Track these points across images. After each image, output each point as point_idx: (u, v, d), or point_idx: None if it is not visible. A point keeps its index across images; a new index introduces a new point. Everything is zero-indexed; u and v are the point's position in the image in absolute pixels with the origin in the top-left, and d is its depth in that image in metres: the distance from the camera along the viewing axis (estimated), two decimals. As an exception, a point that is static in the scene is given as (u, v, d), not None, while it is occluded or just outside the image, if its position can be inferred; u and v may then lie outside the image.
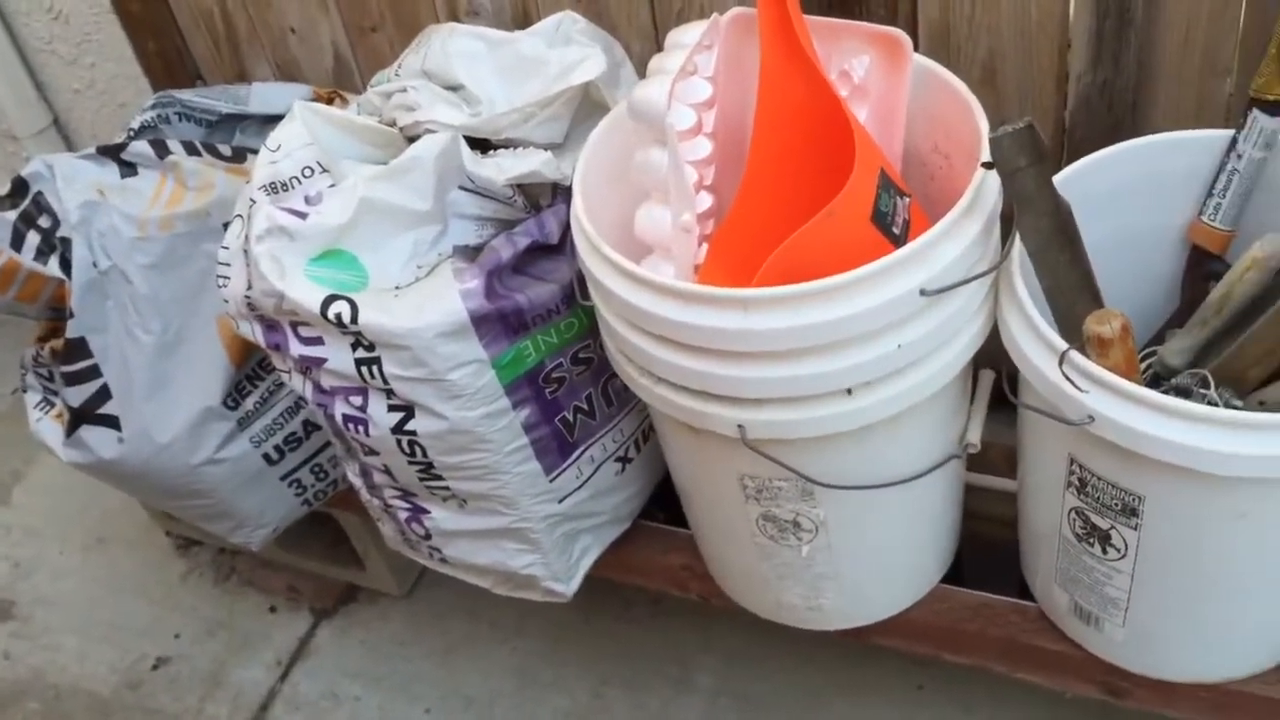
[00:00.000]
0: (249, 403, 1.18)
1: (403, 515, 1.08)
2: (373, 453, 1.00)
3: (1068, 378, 0.77)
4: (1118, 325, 0.76)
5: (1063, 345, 0.78)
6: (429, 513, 1.05)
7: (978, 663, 1.07)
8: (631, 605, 1.46)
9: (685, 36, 0.91)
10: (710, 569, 1.13)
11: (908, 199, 0.87)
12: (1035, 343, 0.81)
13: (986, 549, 1.14)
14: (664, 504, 1.18)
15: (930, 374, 0.84)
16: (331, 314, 0.89)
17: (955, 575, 1.10)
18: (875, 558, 1.00)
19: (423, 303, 0.90)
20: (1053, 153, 1.11)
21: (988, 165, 0.78)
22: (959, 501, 1.06)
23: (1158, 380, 0.94)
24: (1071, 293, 0.82)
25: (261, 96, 1.31)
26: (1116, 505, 0.83)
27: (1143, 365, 0.96)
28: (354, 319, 0.89)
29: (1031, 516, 0.98)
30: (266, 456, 1.20)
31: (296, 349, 0.94)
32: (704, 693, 1.36)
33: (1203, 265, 0.96)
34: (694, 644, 1.40)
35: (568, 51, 0.97)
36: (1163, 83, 1.04)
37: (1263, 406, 0.86)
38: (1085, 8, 1.02)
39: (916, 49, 1.02)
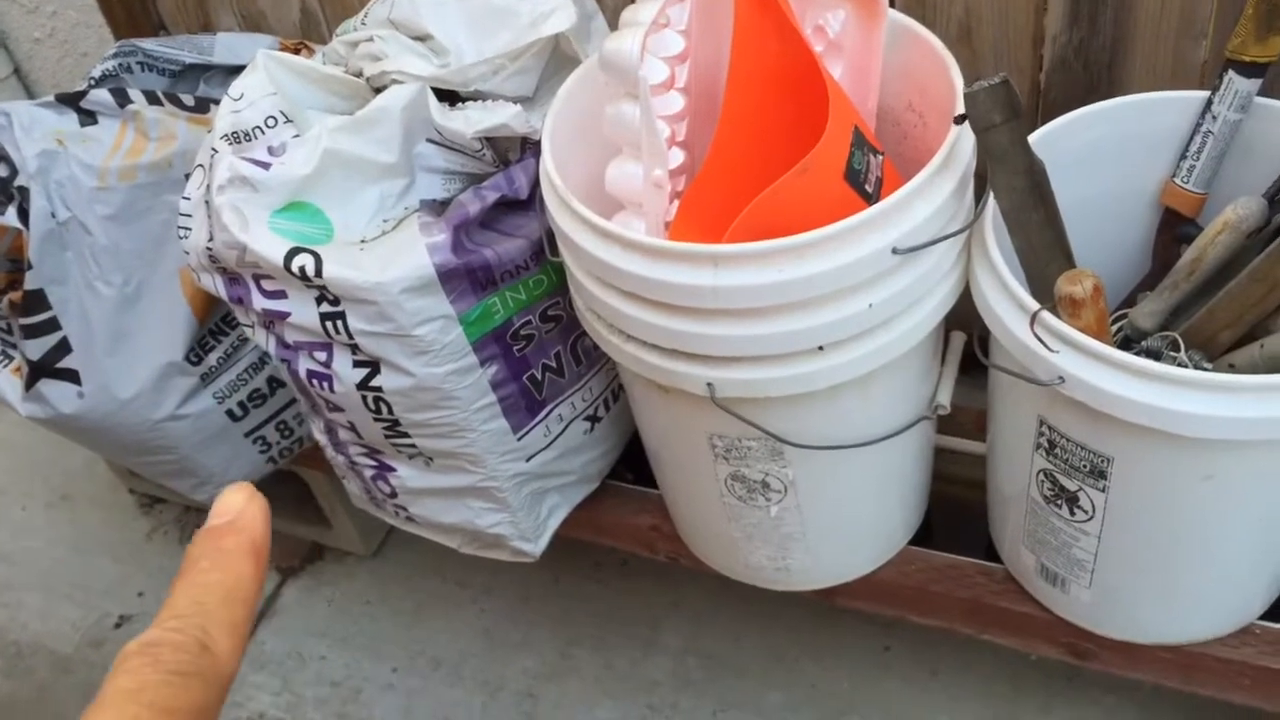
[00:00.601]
0: (212, 358, 1.16)
1: (368, 473, 1.07)
2: (338, 409, 0.99)
3: (1039, 338, 0.76)
4: (1089, 286, 0.75)
5: (1034, 305, 0.77)
6: (395, 470, 1.04)
7: (944, 624, 1.08)
8: (601, 566, 1.45)
9: (658, -12, 0.89)
10: (679, 529, 1.13)
11: (881, 157, 0.86)
12: (1007, 303, 0.80)
13: (955, 512, 1.14)
14: (632, 464, 1.17)
15: (901, 333, 0.83)
16: (295, 267, 0.87)
17: (924, 538, 1.10)
18: (843, 519, 0.99)
19: (389, 257, 0.88)
20: (1028, 114, 1.10)
21: (959, 120, 0.77)
22: (928, 464, 1.06)
23: (1129, 343, 0.94)
24: (1044, 253, 0.81)
25: (227, 46, 1.28)
26: (1085, 467, 0.83)
27: (1114, 328, 0.96)
28: (318, 272, 0.87)
29: (1000, 479, 0.98)
30: (230, 413, 1.19)
31: (259, 303, 0.92)
32: (672, 652, 1.36)
33: (1175, 228, 0.96)
34: (663, 604, 1.40)
35: (538, 2, 0.95)
36: (1139, 44, 1.03)
37: (1233, 369, 0.86)
38: (1063, -36, 1.01)
39: (893, 6, 1.01)
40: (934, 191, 0.79)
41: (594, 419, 1.08)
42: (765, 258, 0.76)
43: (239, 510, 0.38)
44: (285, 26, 1.44)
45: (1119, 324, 0.95)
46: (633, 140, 0.86)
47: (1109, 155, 0.95)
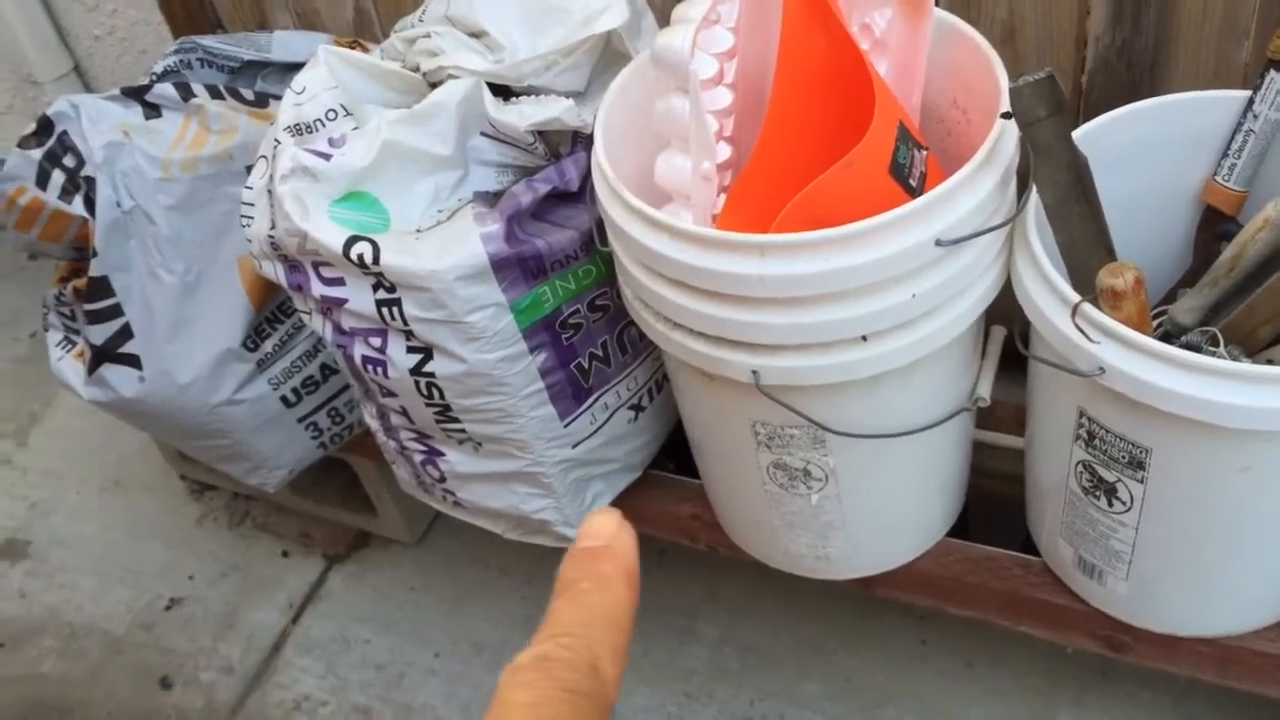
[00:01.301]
0: (268, 345, 1.19)
1: (418, 458, 1.10)
2: (391, 394, 1.02)
3: (1080, 329, 0.78)
4: (1131, 278, 0.77)
5: (1075, 297, 0.79)
6: (444, 455, 1.07)
7: (981, 615, 1.09)
8: (641, 556, 1.47)
9: (708, -14, 0.92)
10: (719, 518, 1.15)
11: (925, 152, 0.88)
12: (1048, 295, 0.82)
13: (993, 506, 1.16)
14: (674, 454, 1.20)
15: (943, 324, 0.85)
16: (354, 254, 0.90)
17: (961, 531, 1.12)
18: (883, 508, 1.01)
19: (444, 245, 0.91)
20: (1069, 115, 1.12)
21: (1006, 116, 0.78)
22: (967, 456, 1.08)
23: (1168, 338, 0.95)
24: (1086, 247, 0.83)
25: (284, 44, 1.32)
26: (1124, 458, 0.84)
27: (1154, 324, 0.97)
28: (376, 260, 0.90)
29: (1039, 470, 0.99)
30: (284, 399, 1.22)
31: (318, 289, 0.95)
32: (709, 642, 1.38)
33: (1215, 225, 0.97)
34: (700, 595, 1.43)
35: (591, 0, 0.98)
36: (1181, 45, 1.04)
37: (1271, 364, 0.87)
38: (1103, -36, 1.02)
39: (938, 5, 1.03)
40: (977, 185, 0.81)
41: (638, 408, 1.10)
42: (811, 248, 0.78)
43: (612, 535, 0.37)
44: (339, 25, 1.47)
45: (1159, 320, 0.96)
46: (682, 134, 0.88)
47: (1151, 153, 0.96)
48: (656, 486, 1.20)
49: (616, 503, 1.15)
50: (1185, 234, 1.01)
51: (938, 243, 0.79)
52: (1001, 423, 1.13)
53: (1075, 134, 0.92)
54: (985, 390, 0.97)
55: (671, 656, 1.38)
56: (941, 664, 1.31)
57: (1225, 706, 1.19)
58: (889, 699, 1.29)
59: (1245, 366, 0.73)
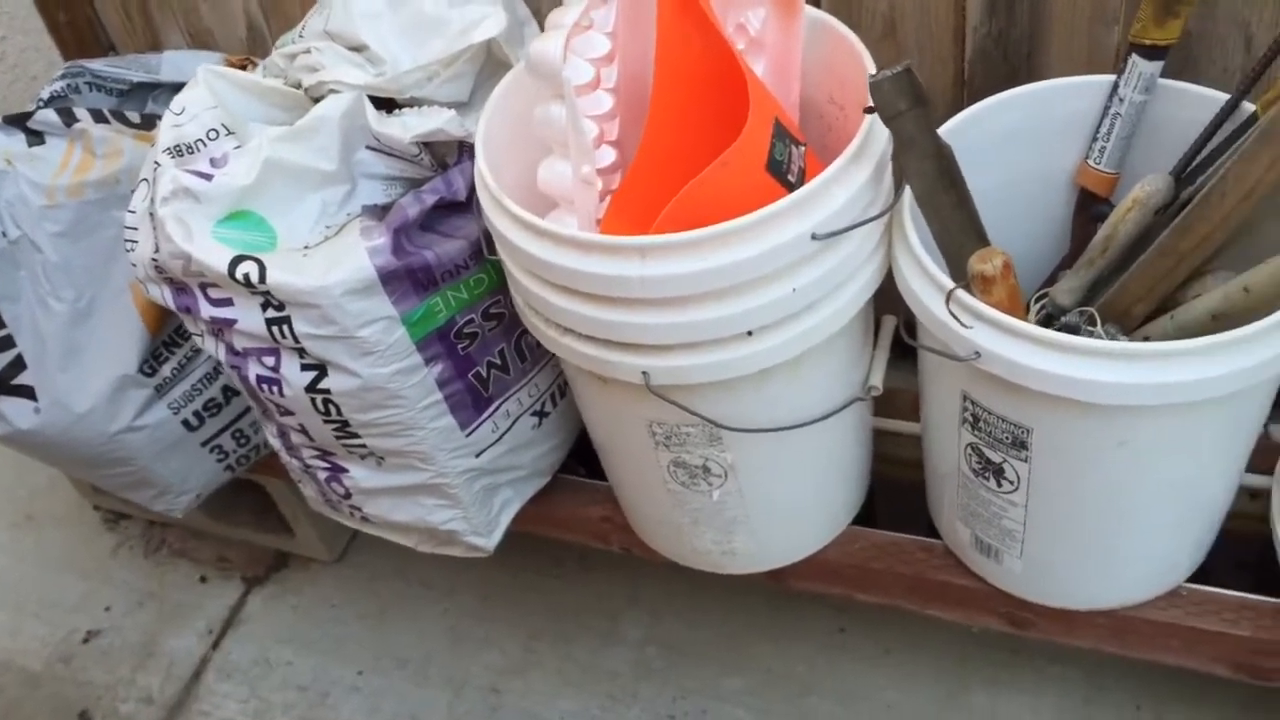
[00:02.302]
0: (166, 369, 1.18)
1: (322, 475, 1.09)
2: (288, 413, 1.01)
3: (954, 315, 0.80)
4: (999, 263, 0.79)
5: (949, 284, 0.81)
6: (347, 471, 1.07)
7: (889, 601, 1.11)
8: (560, 562, 1.48)
9: (583, -8, 0.92)
10: (629, 519, 1.16)
11: (803, 147, 0.89)
12: (924, 283, 0.83)
13: (898, 492, 1.17)
14: (584, 458, 1.20)
15: (827, 317, 0.86)
16: (240, 274, 0.90)
17: (869, 518, 1.13)
18: (785, 501, 1.02)
19: (331, 261, 0.91)
20: (954, 104, 1.14)
21: (869, 110, 0.80)
22: (867, 444, 1.09)
23: (1050, 320, 0.98)
24: (959, 234, 0.85)
25: (173, 64, 1.30)
26: (1007, 439, 0.86)
27: (1036, 306, 0.99)
28: (262, 278, 0.90)
29: (933, 455, 1.01)
30: (186, 423, 1.21)
31: (207, 310, 0.95)
32: (632, 643, 1.39)
33: (1090, 207, 1.00)
34: (622, 597, 1.43)
35: (469, 10, 0.98)
36: (1055, 32, 1.06)
37: (1147, 341, 0.90)
38: (979, -40, 1.04)
39: (820, 5, 1.05)
40: (850, 179, 0.82)
41: (541, 414, 1.11)
42: (690, 247, 0.79)
43: None
44: (232, 43, 1.46)
45: (1041, 302, 0.99)
46: (562, 140, 0.89)
47: (1025, 139, 0.99)
48: (566, 491, 1.20)
49: (526, 509, 1.16)
50: (1063, 217, 1.03)
51: (814, 236, 0.80)
52: (901, 410, 1.15)
53: (949, 123, 0.94)
54: (878, 379, 0.99)
55: (594, 658, 1.38)
56: (859, 651, 1.33)
57: (1130, 676, 1.22)
58: (809, 689, 1.31)
59: (1111, 344, 0.75)
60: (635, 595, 1.43)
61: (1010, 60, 1.10)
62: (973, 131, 0.95)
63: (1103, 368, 0.75)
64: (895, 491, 1.17)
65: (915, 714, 1.26)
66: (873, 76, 0.75)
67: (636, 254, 0.80)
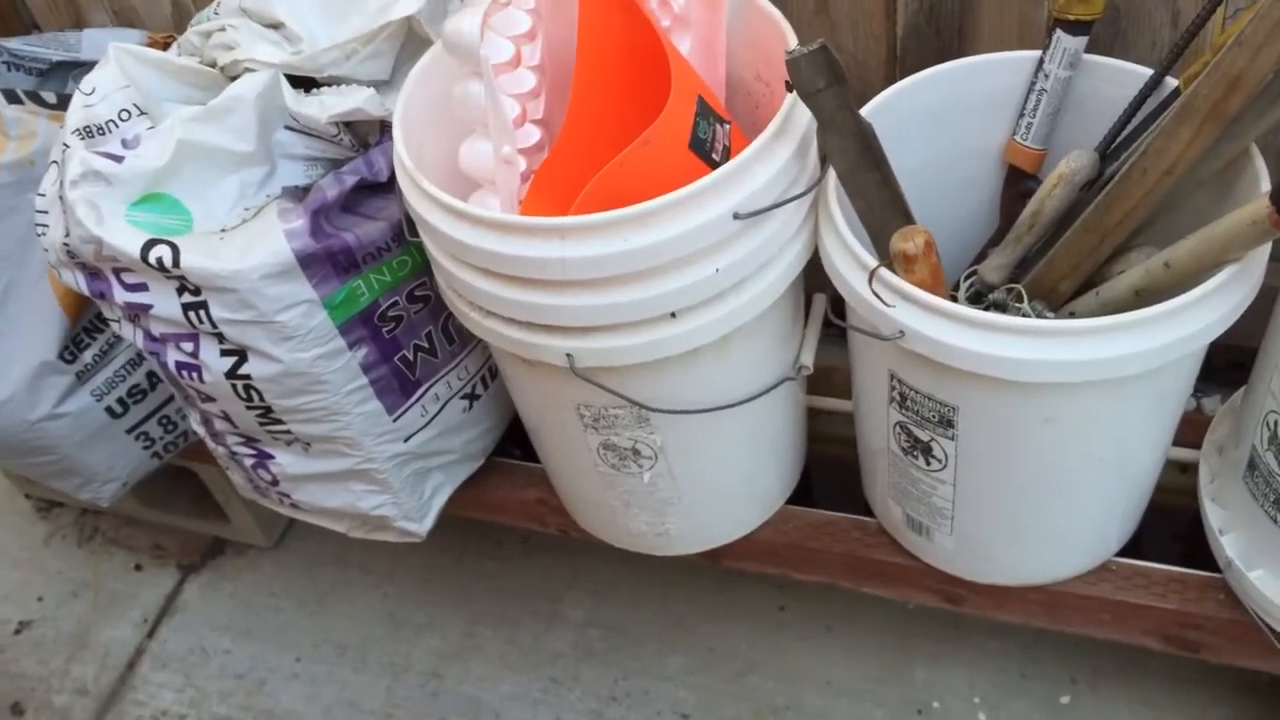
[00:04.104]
0: (88, 356, 1.15)
1: (249, 462, 1.07)
2: (210, 399, 0.99)
3: (876, 294, 0.79)
4: (921, 241, 0.78)
5: (873, 263, 0.80)
6: (274, 458, 1.05)
7: (825, 579, 1.11)
8: (502, 544, 1.47)
9: (504, -32, 0.90)
10: (564, 502, 1.15)
11: (728, 125, 0.88)
12: (849, 262, 0.83)
13: (835, 470, 1.17)
14: (519, 440, 1.19)
15: (753, 297, 0.85)
16: (153, 258, 0.87)
17: (806, 498, 1.13)
18: (717, 481, 1.02)
19: (248, 244, 0.89)
20: (886, 79, 1.13)
21: (789, 87, 0.79)
22: (800, 423, 1.09)
23: (979, 297, 0.97)
24: (883, 213, 0.84)
25: (94, 43, 1.27)
26: (934, 417, 0.86)
27: (966, 283, 0.99)
28: (176, 263, 0.87)
29: (865, 434, 1.01)
30: (110, 410, 1.18)
31: (121, 296, 0.92)
32: (573, 625, 1.38)
33: (1019, 184, 0.99)
34: (563, 579, 1.42)
35: (389, -14, 0.96)
36: (985, 7, 1.06)
37: (1073, 317, 0.89)
38: (907, -69, 1.03)
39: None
40: (771, 157, 0.81)
41: (472, 396, 1.09)
42: (610, 228, 0.78)
43: None
44: (157, 20, 1.42)
45: (971, 279, 0.98)
46: (482, 119, 0.87)
47: (953, 116, 0.98)
48: (501, 474, 1.19)
49: (459, 493, 1.14)
50: (994, 194, 1.03)
51: (736, 216, 0.79)
52: (837, 387, 1.15)
53: (875, 101, 0.94)
54: (809, 358, 0.98)
55: (537, 641, 1.38)
56: (801, 629, 1.33)
57: (1065, 650, 1.23)
58: (751, 667, 1.31)
59: (1031, 322, 0.75)
60: (576, 577, 1.42)
61: (942, 36, 1.09)
62: (900, 108, 0.94)
63: (1023, 345, 0.75)
64: (832, 469, 1.17)
65: (855, 690, 1.26)
66: (789, 53, 0.74)
67: (556, 235, 0.78)
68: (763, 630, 1.34)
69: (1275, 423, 0.84)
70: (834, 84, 0.75)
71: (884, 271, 0.79)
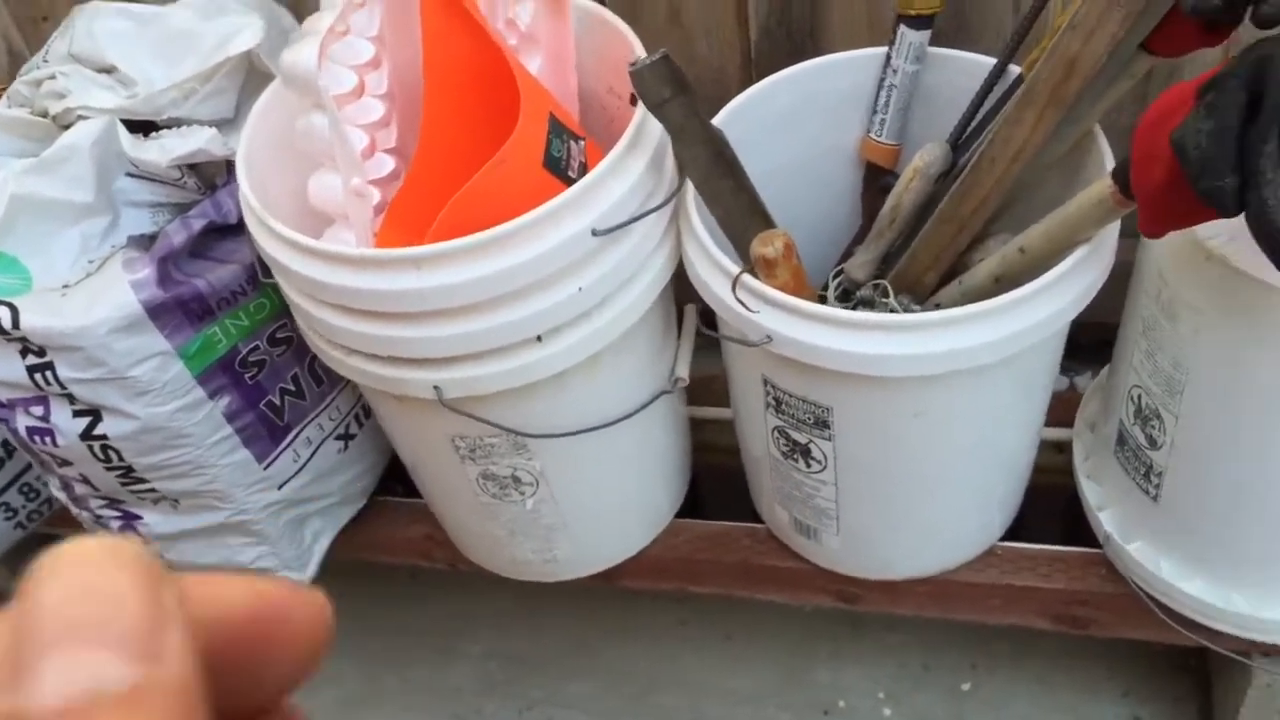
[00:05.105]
0: (-65, 427, 1.10)
1: (115, 525, 1.03)
2: (66, 463, 0.95)
3: (740, 300, 0.79)
4: (780, 245, 0.78)
5: (735, 269, 0.80)
6: (141, 518, 1.01)
7: (721, 590, 1.10)
8: (393, 584, 1.43)
9: (341, -4, 0.88)
10: (450, 536, 1.12)
11: (582, 141, 0.87)
12: (712, 271, 0.82)
13: (724, 479, 1.17)
14: (401, 476, 1.16)
15: (619, 313, 0.84)
16: (-10, 321, 0.83)
17: (697, 510, 1.12)
18: (601, 502, 1.00)
19: (92, 298, 0.85)
20: (743, 84, 1.14)
21: (633, 100, 0.78)
22: (683, 435, 1.08)
23: (849, 295, 0.98)
24: (742, 219, 0.84)
25: (-79, 98, 1.21)
26: (809, 419, 0.86)
27: (834, 282, 0.99)
28: (15, 324, 0.83)
29: (746, 441, 1.00)
30: (-36, 482, 1.13)
31: (-40, 363, 0.88)
32: (473, 659, 1.35)
33: (877, 180, 1.00)
34: (459, 613, 1.39)
35: (224, 22, 0.93)
36: (835, 6, 1.07)
37: (940, 309, 0.90)
38: (749, -63, 1.04)
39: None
40: (626, 171, 0.80)
41: (347, 437, 1.06)
42: (466, 254, 0.76)
43: None
44: (-9, 71, 1.37)
45: (840, 277, 0.99)
46: (328, 152, 0.85)
47: (808, 117, 0.98)
48: (385, 513, 1.16)
49: (344, 536, 1.11)
50: (856, 192, 1.04)
51: (594, 232, 0.78)
52: (718, 396, 1.14)
53: (727, 108, 0.93)
54: (684, 370, 0.97)
55: (436, 678, 1.35)
56: (701, 641, 1.32)
57: (963, 638, 1.24)
58: (655, 685, 1.29)
59: (889, 317, 0.75)
60: (472, 610, 1.39)
61: (794, 38, 1.10)
62: (754, 113, 0.94)
63: (881, 341, 0.75)
64: (720, 479, 1.17)
65: (759, 696, 1.26)
66: (633, 65, 0.74)
67: (411, 266, 0.76)
68: (664, 646, 1.32)
69: (1139, 396, 0.86)
70: (679, 94, 0.74)
71: (746, 277, 0.79)
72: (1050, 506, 1.09)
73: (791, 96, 0.96)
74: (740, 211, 0.83)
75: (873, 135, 0.98)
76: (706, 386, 1.12)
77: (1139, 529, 0.93)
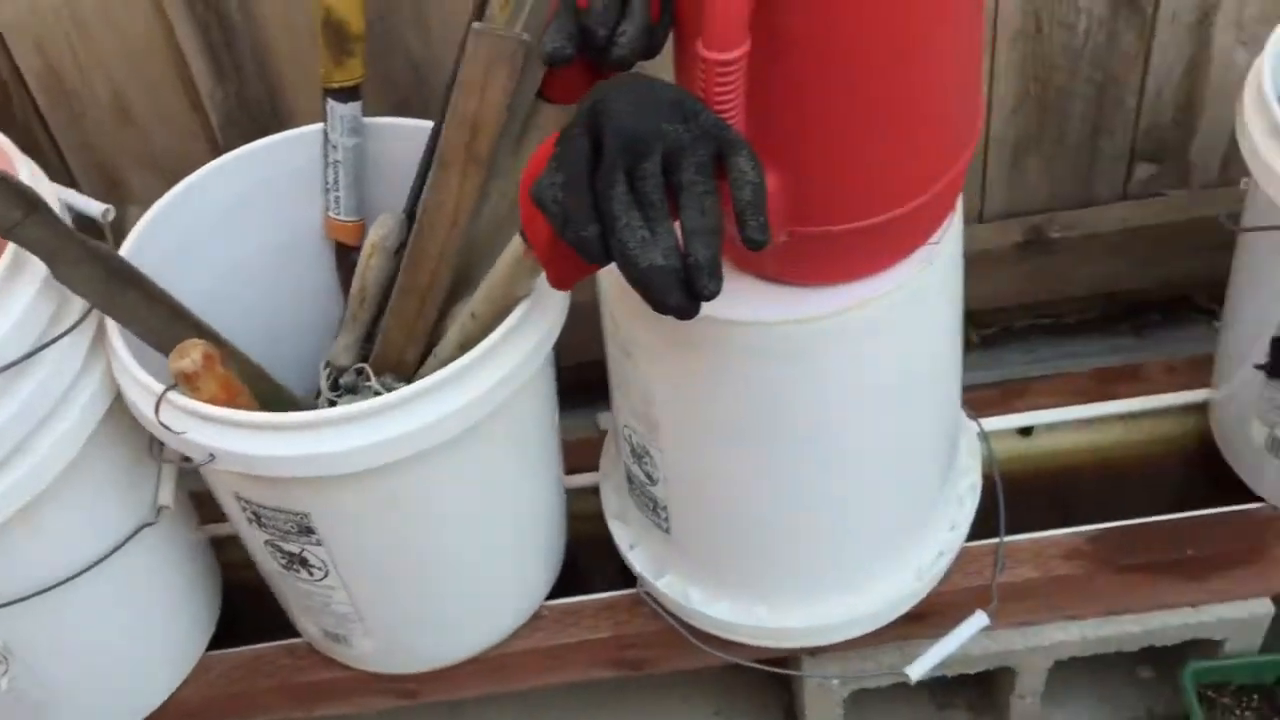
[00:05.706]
0: None
1: None
2: None
3: (162, 423, 0.71)
4: (199, 355, 0.71)
5: (159, 388, 0.72)
6: None
7: (273, 716, 1.00)
8: None
9: None
10: None
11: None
12: (140, 391, 0.74)
13: (263, 600, 1.07)
14: None
15: (43, 457, 0.74)
16: None
17: (236, 634, 1.03)
18: (96, 659, 0.89)
19: None
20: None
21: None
22: (201, 559, 0.99)
23: (338, 384, 0.93)
24: (167, 331, 0.76)
25: None
26: (292, 528, 0.80)
27: (325, 371, 0.94)
28: None
29: (255, 558, 0.93)
30: None
31: None
32: None
33: (347, 259, 0.96)
34: None
35: None
36: (288, 85, 1.02)
37: (339, 406, 0.85)
38: (184, 20, 0.97)
39: (30, 98, 0.96)
40: (12, 300, 0.71)
41: None
42: None
43: None
44: None
45: (328, 367, 0.93)
46: None
47: (265, 201, 0.93)
48: None
49: None
50: (334, 274, 0.99)
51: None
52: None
53: (159, 203, 0.87)
54: (167, 496, 0.88)
55: None
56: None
57: (561, 696, 1.20)
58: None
59: (307, 415, 0.71)
60: None
61: (258, 119, 1.04)
62: (191, 205, 0.87)
63: (302, 441, 0.70)
64: (260, 601, 1.06)
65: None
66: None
67: None
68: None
69: (630, 435, 0.85)
70: (33, 211, 0.66)
71: (173, 394, 0.72)
72: (606, 549, 1.08)
73: (245, 179, 0.90)
74: (159, 324, 0.76)
75: (331, 213, 0.93)
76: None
77: (664, 563, 0.93)
